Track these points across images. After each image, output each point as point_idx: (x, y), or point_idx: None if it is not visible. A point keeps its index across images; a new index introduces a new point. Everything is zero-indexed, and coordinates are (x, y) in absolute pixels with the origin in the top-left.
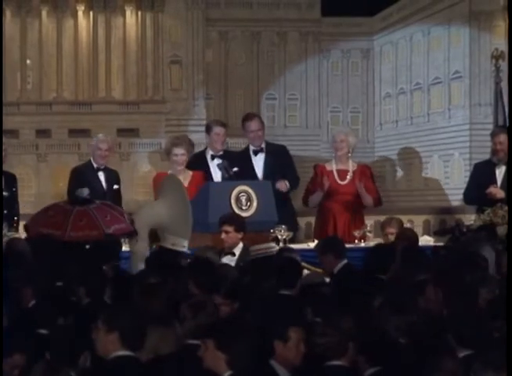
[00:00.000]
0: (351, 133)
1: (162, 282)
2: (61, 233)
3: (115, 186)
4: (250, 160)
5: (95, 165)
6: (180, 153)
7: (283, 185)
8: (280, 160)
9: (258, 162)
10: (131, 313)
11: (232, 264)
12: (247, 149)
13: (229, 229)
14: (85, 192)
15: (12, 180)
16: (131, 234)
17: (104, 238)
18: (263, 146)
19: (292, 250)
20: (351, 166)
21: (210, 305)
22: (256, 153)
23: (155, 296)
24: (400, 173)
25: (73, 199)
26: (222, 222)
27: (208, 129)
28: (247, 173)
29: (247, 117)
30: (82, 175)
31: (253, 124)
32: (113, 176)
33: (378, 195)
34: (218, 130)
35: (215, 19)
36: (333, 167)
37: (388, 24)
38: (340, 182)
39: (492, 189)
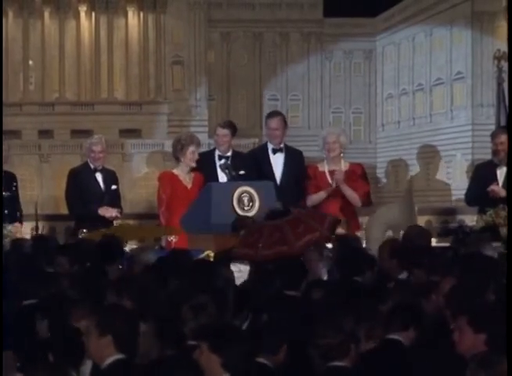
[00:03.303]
0: (342, 133)
1: (162, 283)
2: (254, 252)
3: (113, 187)
4: (268, 158)
5: (92, 166)
6: (196, 151)
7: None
8: (297, 165)
9: (277, 161)
10: (124, 315)
11: (247, 267)
12: (265, 146)
13: None
14: (278, 204)
15: (11, 179)
16: (327, 241)
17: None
18: (282, 146)
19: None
20: (343, 166)
21: (211, 307)
22: (275, 152)
23: (154, 297)
24: (402, 174)
25: (269, 213)
26: (240, 227)
27: (214, 131)
28: (264, 171)
29: (270, 115)
30: (80, 177)
31: (272, 122)
32: (110, 177)
33: (367, 193)
34: (218, 131)
35: (217, 20)
36: (325, 168)
37: (391, 25)
38: (332, 183)
39: (493, 187)
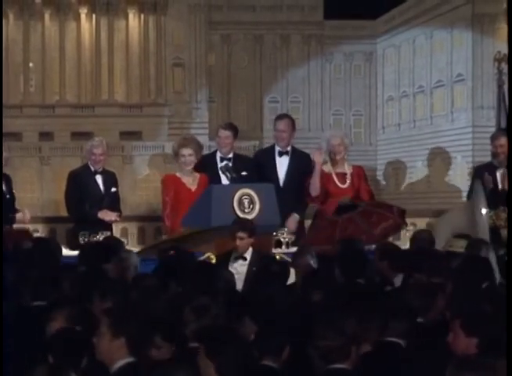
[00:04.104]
0: (345, 135)
1: (164, 285)
2: (331, 246)
3: (113, 189)
4: (274, 161)
5: (92, 168)
6: (187, 154)
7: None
8: (303, 168)
9: (282, 164)
10: (138, 317)
11: (244, 268)
12: (273, 148)
13: (243, 235)
14: (347, 200)
15: (8, 181)
16: (400, 228)
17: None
18: (289, 149)
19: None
20: (347, 168)
21: (212, 308)
22: (281, 154)
23: (156, 299)
24: (403, 176)
25: (338, 208)
26: (236, 229)
27: (216, 132)
28: (268, 173)
29: (278, 117)
30: (80, 179)
31: (280, 124)
32: (110, 179)
33: (372, 196)
34: (220, 133)
35: (218, 23)
36: (330, 170)
37: (391, 27)
38: (340, 185)
39: (487, 177)
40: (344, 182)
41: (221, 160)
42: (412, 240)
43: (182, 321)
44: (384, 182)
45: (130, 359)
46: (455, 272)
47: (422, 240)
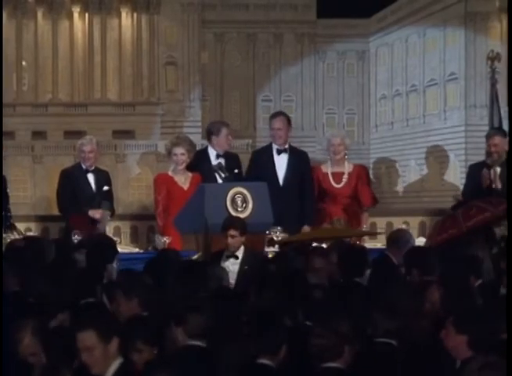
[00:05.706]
0: (345, 135)
1: (161, 284)
2: (431, 240)
3: (105, 188)
4: (272, 159)
5: (84, 167)
6: (179, 153)
7: None
8: (301, 166)
9: (281, 162)
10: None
11: (236, 267)
12: (270, 147)
13: (235, 233)
14: (458, 196)
15: (4, 181)
16: (501, 218)
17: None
18: (286, 146)
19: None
20: (347, 168)
21: (205, 307)
22: (279, 152)
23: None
24: (395, 175)
25: (456, 204)
26: (227, 227)
27: (217, 131)
28: (267, 171)
29: (272, 115)
30: (71, 177)
31: (275, 122)
32: (103, 177)
33: (373, 196)
34: (227, 131)
35: (211, 21)
36: (328, 169)
37: (384, 26)
38: (335, 185)
39: (485, 173)
40: (339, 182)
41: (217, 156)
42: (389, 239)
43: (177, 320)
44: (376, 181)
45: (121, 360)
46: (447, 269)
47: (397, 239)
